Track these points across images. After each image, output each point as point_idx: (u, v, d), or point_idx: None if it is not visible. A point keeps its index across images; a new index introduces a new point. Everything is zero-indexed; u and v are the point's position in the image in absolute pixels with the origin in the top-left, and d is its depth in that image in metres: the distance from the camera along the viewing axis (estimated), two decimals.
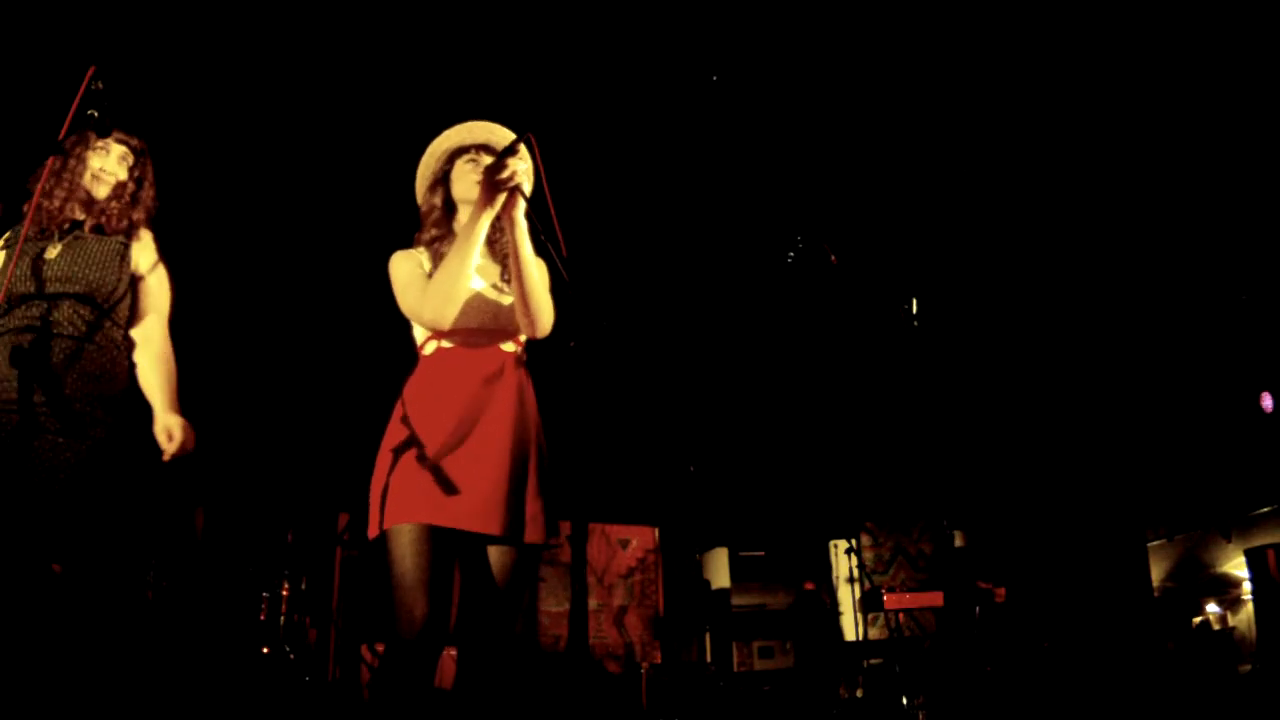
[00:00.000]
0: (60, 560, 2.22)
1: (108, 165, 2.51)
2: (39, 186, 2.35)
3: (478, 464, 2.12)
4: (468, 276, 2.18)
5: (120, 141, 2.54)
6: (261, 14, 4.44)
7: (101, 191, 2.50)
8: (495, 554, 2.17)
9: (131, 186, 2.55)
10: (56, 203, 2.44)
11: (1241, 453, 6.89)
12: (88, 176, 2.48)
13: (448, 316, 2.17)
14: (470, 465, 2.11)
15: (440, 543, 2.07)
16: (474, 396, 2.18)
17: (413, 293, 2.22)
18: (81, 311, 2.35)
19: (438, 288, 2.16)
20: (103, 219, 2.48)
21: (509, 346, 2.28)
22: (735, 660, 6.98)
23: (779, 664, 6.31)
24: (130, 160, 2.57)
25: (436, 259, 2.29)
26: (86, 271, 2.39)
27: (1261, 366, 6.61)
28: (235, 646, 4.40)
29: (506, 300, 2.30)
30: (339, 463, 5.86)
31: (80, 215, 2.47)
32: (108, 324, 2.40)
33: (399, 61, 4.83)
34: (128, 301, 2.49)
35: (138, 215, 2.55)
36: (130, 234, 2.53)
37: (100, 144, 2.49)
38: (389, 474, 2.13)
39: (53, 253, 2.39)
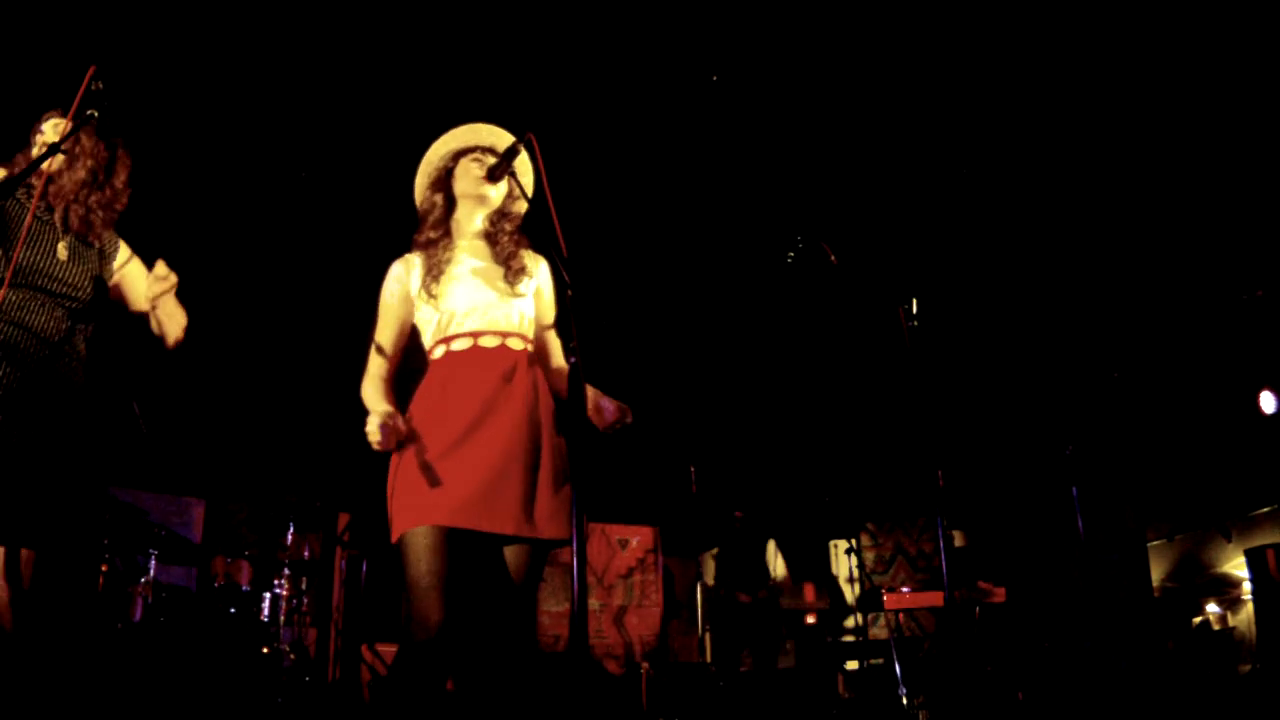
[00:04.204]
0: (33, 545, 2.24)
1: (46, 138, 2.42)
2: (39, 188, 2.33)
3: (490, 463, 2.12)
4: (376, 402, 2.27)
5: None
6: (261, 15, 4.44)
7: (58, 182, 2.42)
8: (511, 554, 2.17)
9: (82, 169, 2.44)
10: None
11: (1241, 453, 6.88)
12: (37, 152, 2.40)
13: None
14: (482, 465, 2.11)
15: (456, 545, 2.06)
16: (488, 397, 2.18)
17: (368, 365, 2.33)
18: (63, 318, 2.37)
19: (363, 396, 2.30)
20: (84, 226, 2.44)
21: (518, 345, 2.28)
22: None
23: (779, 664, 6.31)
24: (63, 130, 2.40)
25: (431, 265, 2.30)
26: (86, 285, 2.42)
27: (1261, 366, 6.60)
28: (235, 646, 4.39)
29: (512, 301, 2.30)
30: (340, 463, 5.86)
31: (57, 212, 2.43)
32: (79, 334, 2.42)
33: (399, 64, 4.83)
34: (101, 304, 2.51)
35: (109, 215, 2.50)
36: (109, 245, 2.54)
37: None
38: (403, 477, 2.13)
39: (63, 252, 2.39)
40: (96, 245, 2.49)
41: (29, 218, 2.30)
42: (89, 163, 2.44)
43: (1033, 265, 6.64)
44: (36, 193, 2.32)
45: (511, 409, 2.18)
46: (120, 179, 2.52)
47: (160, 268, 2.43)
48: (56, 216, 2.43)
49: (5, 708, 2.12)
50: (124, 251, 2.59)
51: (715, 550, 6.42)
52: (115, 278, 2.56)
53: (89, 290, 2.42)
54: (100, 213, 2.47)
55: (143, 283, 2.58)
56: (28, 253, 2.32)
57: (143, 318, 2.58)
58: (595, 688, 5.63)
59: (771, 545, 6.41)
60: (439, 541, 2.04)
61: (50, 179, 2.41)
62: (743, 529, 6.50)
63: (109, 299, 2.54)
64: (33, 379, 2.25)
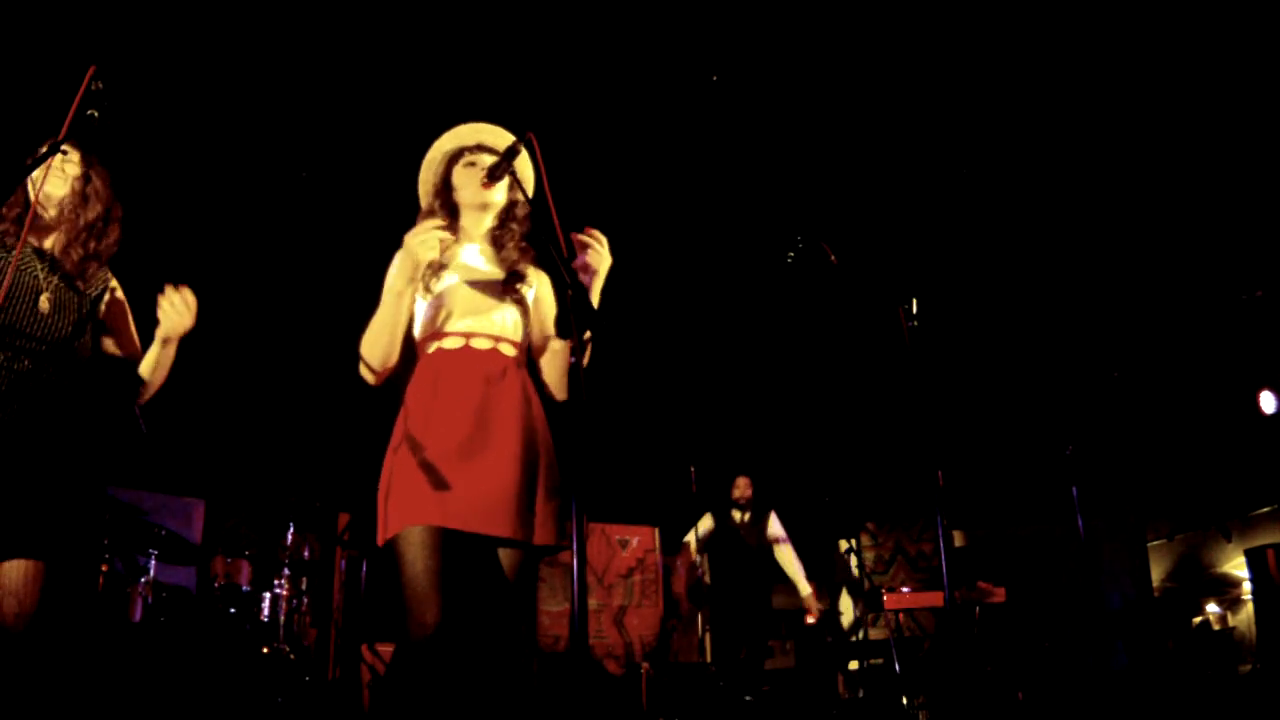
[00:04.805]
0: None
1: (50, 188, 2.34)
2: (34, 198, 2.28)
3: (485, 466, 2.12)
4: (392, 327, 2.23)
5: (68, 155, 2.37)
6: (261, 15, 4.44)
7: (50, 213, 2.37)
8: (503, 556, 2.17)
9: (84, 211, 2.38)
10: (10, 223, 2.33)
11: (1241, 453, 6.89)
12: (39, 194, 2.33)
13: (389, 361, 2.26)
14: (478, 467, 2.11)
15: (450, 546, 2.06)
16: (480, 398, 2.18)
17: (368, 333, 2.27)
18: (45, 363, 2.30)
19: (371, 341, 2.24)
20: (79, 269, 2.37)
21: (509, 350, 2.28)
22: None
23: (779, 664, 6.30)
24: (77, 171, 2.38)
25: (432, 266, 2.29)
26: (69, 330, 2.33)
27: (1261, 366, 6.60)
28: (235, 646, 4.39)
29: (507, 306, 2.31)
30: (340, 463, 5.86)
31: (48, 244, 2.37)
32: (61, 377, 2.34)
33: (399, 64, 4.83)
34: (88, 347, 2.43)
35: (101, 261, 2.44)
36: (99, 284, 2.45)
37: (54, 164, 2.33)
38: (397, 477, 2.13)
39: (45, 304, 2.30)
40: (83, 287, 2.40)
41: (10, 272, 2.21)
42: (99, 207, 2.41)
43: (1033, 265, 6.64)
44: (21, 240, 2.22)
45: (505, 413, 2.18)
46: (113, 235, 2.46)
47: (178, 297, 2.33)
48: (41, 264, 2.33)
49: (5, 707, 2.12)
50: (110, 285, 2.50)
51: (706, 520, 6.18)
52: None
53: (70, 333, 2.34)
54: (94, 264, 2.42)
55: (121, 321, 2.51)
56: (8, 312, 2.24)
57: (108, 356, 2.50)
58: (595, 688, 5.63)
59: (772, 518, 6.30)
60: (434, 541, 2.03)
61: (36, 215, 2.32)
62: (747, 503, 6.23)
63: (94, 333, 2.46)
64: (14, 413, 2.21)
